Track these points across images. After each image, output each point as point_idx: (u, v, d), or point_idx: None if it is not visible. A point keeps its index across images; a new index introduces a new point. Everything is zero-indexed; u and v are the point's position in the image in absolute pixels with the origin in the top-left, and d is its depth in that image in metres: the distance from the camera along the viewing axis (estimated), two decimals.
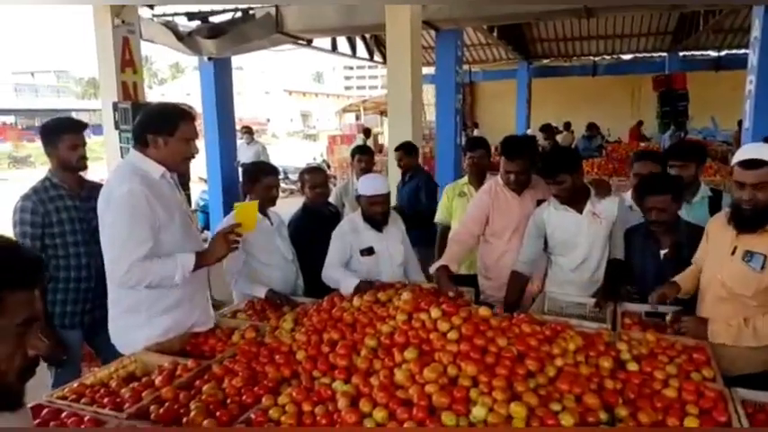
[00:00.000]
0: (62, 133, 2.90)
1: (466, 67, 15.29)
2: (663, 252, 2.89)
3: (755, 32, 7.23)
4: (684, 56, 15.30)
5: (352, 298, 2.69)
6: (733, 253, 2.36)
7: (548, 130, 10.68)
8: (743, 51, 12.80)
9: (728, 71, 14.41)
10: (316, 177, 3.76)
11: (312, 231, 3.50)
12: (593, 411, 1.81)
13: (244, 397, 2.01)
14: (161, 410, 1.88)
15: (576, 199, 3.06)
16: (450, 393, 1.81)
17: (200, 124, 9.69)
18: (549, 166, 3.03)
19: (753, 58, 7.24)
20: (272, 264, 3.31)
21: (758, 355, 2.29)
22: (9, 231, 2.74)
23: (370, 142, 13.52)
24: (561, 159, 3.04)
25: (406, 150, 5.18)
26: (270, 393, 2.01)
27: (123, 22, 6.18)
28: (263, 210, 3.29)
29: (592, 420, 1.79)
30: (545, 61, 16.65)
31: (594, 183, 3.30)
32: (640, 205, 2.93)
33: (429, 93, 11.68)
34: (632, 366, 2.15)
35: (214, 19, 8.62)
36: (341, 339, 2.26)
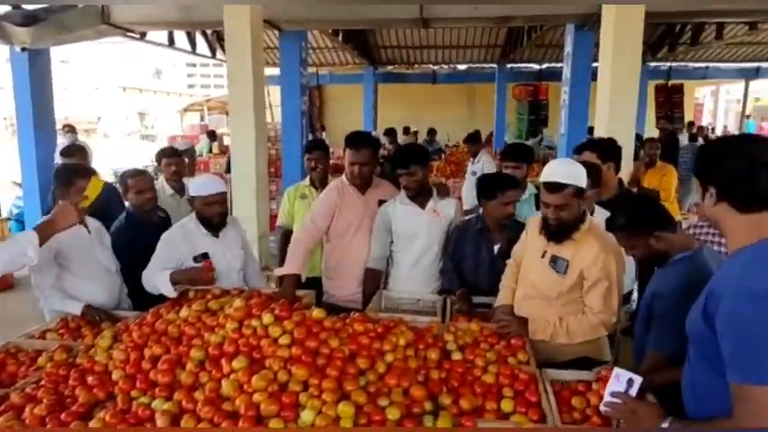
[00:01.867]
0: None
1: (312, 69, 15.37)
2: (496, 247, 3.10)
3: (568, 48, 8.12)
4: (512, 68, 16.75)
5: (178, 309, 2.51)
6: (543, 256, 2.59)
7: (391, 133, 11.09)
8: (560, 65, 14.33)
9: (549, 82, 16.06)
10: (141, 181, 3.47)
11: (138, 240, 3.23)
12: (419, 402, 1.88)
13: (49, 426, 1.79)
14: None
15: (421, 195, 3.27)
16: (279, 400, 1.76)
17: (12, 118, 8.59)
18: (403, 157, 3.24)
19: (566, 71, 8.11)
20: (91, 276, 3.00)
21: (573, 348, 2.51)
22: None
23: (215, 144, 12.98)
24: (414, 152, 3.29)
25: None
26: (80, 419, 1.81)
27: None
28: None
29: (417, 411, 1.85)
30: (389, 67, 17.21)
31: (435, 184, 3.55)
32: (485, 204, 3.09)
33: (276, 94, 11.50)
34: (457, 356, 2.28)
35: (28, 6, 7.67)
36: (164, 354, 2.10)
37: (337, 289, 3.52)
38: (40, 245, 2.34)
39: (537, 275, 2.62)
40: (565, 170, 2.45)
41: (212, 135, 13.17)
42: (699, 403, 1.58)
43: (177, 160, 4.33)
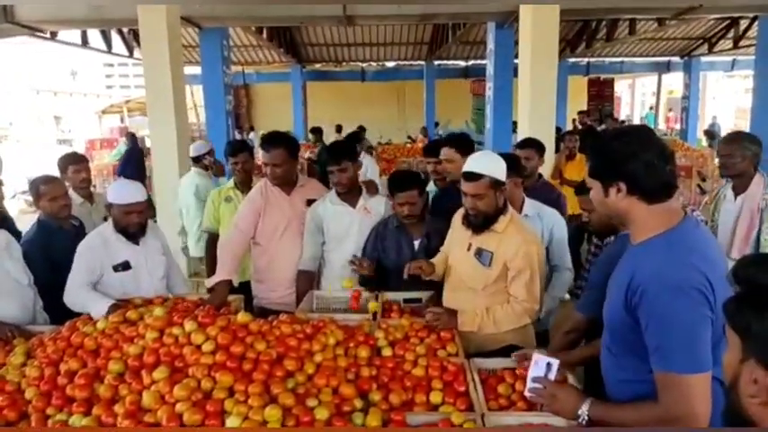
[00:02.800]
0: None
1: (238, 68, 15.05)
2: (416, 242, 3.14)
3: (490, 45, 8.34)
4: (439, 64, 17.04)
5: (95, 321, 2.39)
6: (468, 249, 2.65)
7: (317, 132, 11.04)
8: (484, 61, 14.71)
9: (475, 79, 16.45)
10: (55, 188, 3.27)
11: (52, 250, 3.05)
12: (349, 400, 1.88)
13: None
14: None
15: (351, 193, 3.27)
16: (204, 408, 1.72)
17: None
18: (335, 152, 3.26)
19: (490, 68, 8.34)
20: (1, 291, 2.81)
21: (500, 337, 2.57)
22: None
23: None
24: (345, 148, 3.33)
25: None
26: None
27: None
28: None
29: (347, 410, 1.85)
30: (317, 66, 17.13)
31: (364, 182, 3.52)
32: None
33: (200, 94, 11.17)
34: (387, 352, 2.29)
35: None
36: (81, 368, 2.00)
37: (268, 292, 3.46)
38: None
39: (463, 268, 2.67)
40: (483, 161, 2.52)
41: (131, 136, 12.60)
42: (619, 389, 1.66)
43: (85, 166, 4.05)
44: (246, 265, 3.73)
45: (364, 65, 17.38)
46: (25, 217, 7.15)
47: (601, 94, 16.50)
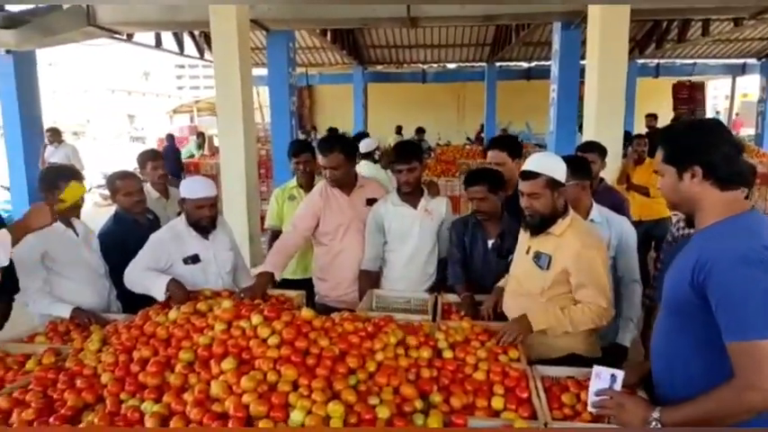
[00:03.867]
0: None
1: (301, 69, 15.35)
2: (490, 242, 3.11)
3: (555, 46, 8.15)
4: (501, 66, 16.81)
5: (167, 311, 2.49)
6: (527, 252, 2.60)
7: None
8: (549, 63, 14.42)
9: (538, 80, 16.14)
10: (130, 183, 3.44)
11: (127, 242, 3.19)
12: (409, 401, 1.88)
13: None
14: None
15: (413, 194, 3.28)
16: (269, 400, 1.75)
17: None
18: (403, 152, 3.25)
19: (554, 69, 8.15)
20: (80, 279, 2.98)
21: (564, 345, 2.51)
22: None
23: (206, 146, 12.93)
24: (413, 148, 3.32)
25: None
26: (68, 423, 1.79)
27: None
28: (66, 219, 2.95)
29: (408, 410, 1.85)
30: (379, 67, 17.24)
31: (426, 183, 3.54)
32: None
33: (265, 94, 11.47)
34: (447, 354, 2.27)
35: (13, 7, 7.60)
36: (153, 356, 2.09)
37: (329, 290, 3.52)
38: (13, 245, 2.29)
39: (521, 271, 2.63)
40: (541, 161, 2.48)
41: (201, 136, 13.11)
42: (673, 374, 1.66)
43: (162, 163, 4.24)
44: (308, 262, 3.80)
45: (425, 66, 17.35)
46: (100, 210, 7.52)
47: (693, 97, 15.65)
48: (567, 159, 2.62)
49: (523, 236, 2.67)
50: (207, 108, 18.01)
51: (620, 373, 1.69)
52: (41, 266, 2.85)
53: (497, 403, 1.96)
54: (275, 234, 4.17)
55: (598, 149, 3.97)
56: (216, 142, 14.28)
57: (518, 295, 2.64)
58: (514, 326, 2.46)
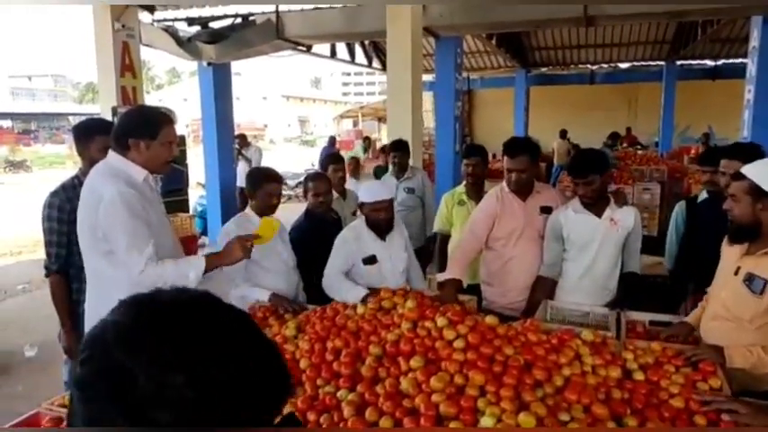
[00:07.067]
0: (95, 134, 2.88)
1: (465, 74, 15.41)
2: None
3: (754, 42, 7.28)
4: (682, 65, 15.38)
5: (355, 305, 2.66)
6: (736, 273, 2.34)
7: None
8: (740, 60, 12.90)
9: (725, 80, 14.51)
10: (320, 185, 3.73)
11: (315, 238, 3.46)
12: (602, 422, 1.80)
13: None
14: None
15: (596, 204, 3.11)
16: (458, 403, 1.79)
17: (198, 130, 9.73)
18: (579, 165, 3.11)
19: (752, 68, 7.28)
20: (274, 269, 3.27)
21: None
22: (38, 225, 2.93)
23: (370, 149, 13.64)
24: (591, 160, 3.11)
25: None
26: None
27: (123, 26, 6.18)
28: (262, 216, 3.27)
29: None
30: (543, 69, 16.70)
31: (612, 192, 3.34)
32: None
33: (427, 100, 11.72)
34: (639, 376, 2.13)
35: (214, 24, 8.63)
36: (345, 347, 2.23)
37: (497, 296, 3.48)
38: (204, 273, 2.41)
39: (728, 294, 2.37)
40: (755, 164, 2.25)
41: (367, 140, 13.82)
42: None
43: (342, 166, 4.58)
44: (476, 269, 3.80)
45: (594, 67, 16.44)
46: (286, 206, 8.13)
47: None
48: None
49: (729, 252, 2.41)
50: (370, 113, 18.84)
51: None
52: None
53: None
54: (444, 238, 4.25)
55: None
56: (378, 146, 14.91)
57: (722, 320, 2.39)
58: (709, 351, 2.27)
